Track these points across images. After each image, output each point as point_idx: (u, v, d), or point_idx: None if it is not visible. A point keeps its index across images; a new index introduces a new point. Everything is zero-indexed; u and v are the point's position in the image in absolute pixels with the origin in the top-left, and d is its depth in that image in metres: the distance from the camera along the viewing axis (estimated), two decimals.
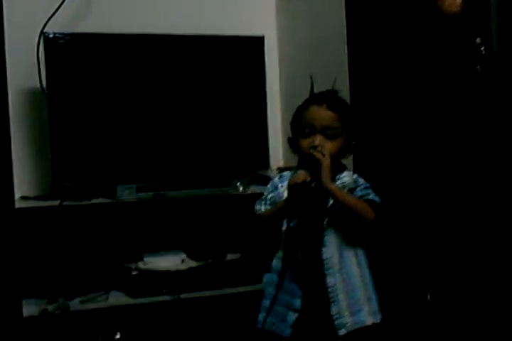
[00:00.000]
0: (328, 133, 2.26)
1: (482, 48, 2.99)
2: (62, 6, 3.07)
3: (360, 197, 2.27)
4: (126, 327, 2.79)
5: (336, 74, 2.85)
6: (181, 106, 3.17)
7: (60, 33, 2.98)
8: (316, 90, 2.43)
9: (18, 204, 2.74)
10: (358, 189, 2.29)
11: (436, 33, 2.99)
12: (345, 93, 2.54)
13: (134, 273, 2.96)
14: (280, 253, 2.31)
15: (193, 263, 3.07)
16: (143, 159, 3.10)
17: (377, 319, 2.29)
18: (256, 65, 3.29)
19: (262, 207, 2.36)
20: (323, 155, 2.21)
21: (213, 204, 3.19)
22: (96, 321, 2.77)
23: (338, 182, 2.29)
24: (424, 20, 2.97)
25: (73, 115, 3.01)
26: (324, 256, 2.24)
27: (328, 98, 2.32)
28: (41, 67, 3.00)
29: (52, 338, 2.71)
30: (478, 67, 3.00)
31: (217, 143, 3.22)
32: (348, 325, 2.24)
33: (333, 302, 2.23)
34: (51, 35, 2.97)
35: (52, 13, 3.05)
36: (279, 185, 2.36)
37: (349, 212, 2.23)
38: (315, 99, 2.34)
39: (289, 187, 2.22)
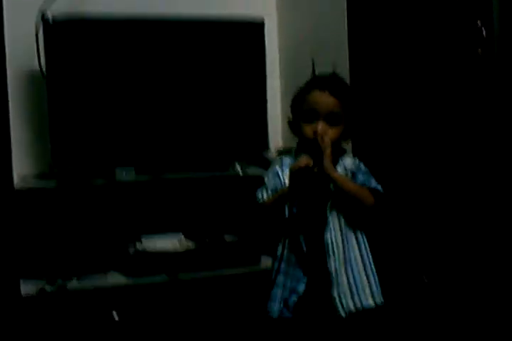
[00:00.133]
0: (330, 119, 2.26)
1: (483, 31, 2.98)
2: None
3: (362, 183, 2.27)
4: (124, 307, 2.81)
5: (336, 57, 2.86)
6: (180, 88, 3.18)
7: (59, 16, 2.99)
8: (316, 73, 2.43)
9: (17, 185, 2.78)
10: (359, 174, 2.29)
11: (437, 16, 2.99)
12: (344, 76, 2.51)
13: (132, 253, 2.98)
14: (283, 240, 2.30)
15: (191, 244, 3.08)
16: (142, 141, 3.11)
17: (378, 301, 2.31)
18: (256, 48, 3.30)
19: (264, 195, 2.35)
20: (325, 142, 2.22)
21: (212, 185, 3.20)
22: (94, 301, 2.79)
23: (341, 167, 2.30)
24: (425, 2, 2.97)
25: (72, 97, 3.02)
26: (327, 239, 2.25)
27: (331, 83, 2.31)
28: (40, 49, 3.00)
29: (50, 317, 2.73)
30: (479, 49, 2.99)
31: (217, 125, 3.23)
32: (348, 307, 2.26)
33: (335, 284, 2.24)
34: (50, 18, 2.97)
35: None
36: (280, 172, 2.35)
37: (349, 198, 2.25)
38: (317, 83, 2.33)
39: (292, 173, 2.22)
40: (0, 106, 2.62)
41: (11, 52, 2.71)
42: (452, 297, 3.02)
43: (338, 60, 2.58)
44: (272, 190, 2.34)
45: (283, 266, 2.31)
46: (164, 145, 3.15)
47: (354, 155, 2.45)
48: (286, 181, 2.30)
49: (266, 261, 3.00)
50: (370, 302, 2.29)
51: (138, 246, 3.03)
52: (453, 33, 3.00)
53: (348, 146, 2.45)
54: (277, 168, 2.38)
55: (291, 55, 3.50)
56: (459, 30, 3.00)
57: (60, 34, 3.00)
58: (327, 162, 2.21)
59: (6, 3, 2.66)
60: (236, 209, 3.22)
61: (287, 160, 2.38)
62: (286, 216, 2.29)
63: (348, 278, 2.27)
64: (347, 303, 2.26)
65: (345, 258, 2.27)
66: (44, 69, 3.00)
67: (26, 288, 2.74)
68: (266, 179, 2.39)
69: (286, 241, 2.31)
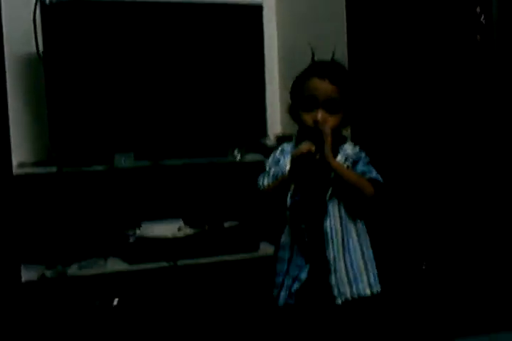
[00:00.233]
0: (329, 106, 2.26)
1: (482, 17, 2.98)
2: None
3: (362, 172, 2.27)
4: (124, 293, 2.81)
5: (334, 42, 2.84)
6: (179, 73, 3.15)
7: None
8: (315, 59, 2.42)
9: (15, 171, 2.75)
10: (360, 163, 2.29)
11: (436, 2, 2.98)
12: (343, 62, 2.50)
13: (131, 239, 2.97)
14: (287, 229, 2.32)
15: (190, 231, 3.08)
16: (141, 127, 3.09)
17: (375, 290, 2.31)
18: (254, 33, 3.27)
19: (265, 182, 2.34)
20: (326, 131, 2.21)
21: (211, 171, 3.19)
22: (93, 287, 2.79)
23: (341, 154, 2.30)
24: None
25: (70, 81, 2.99)
26: (327, 227, 2.25)
27: (331, 71, 2.30)
28: (38, 32, 2.96)
29: (50, 303, 2.73)
30: (478, 36, 2.99)
31: (215, 111, 3.21)
32: (345, 294, 2.26)
33: (333, 272, 2.25)
34: (48, 1, 2.93)
35: None
36: (281, 159, 2.35)
37: (349, 187, 2.25)
38: (317, 70, 2.32)
39: (294, 158, 2.22)
40: None
41: (8, 35, 2.68)
42: (449, 285, 3.04)
43: (337, 47, 2.56)
44: (273, 177, 2.34)
45: (286, 254, 2.32)
46: (163, 132, 3.12)
47: (353, 143, 2.45)
48: (287, 168, 2.30)
49: (265, 248, 3.03)
50: (367, 291, 2.30)
51: (137, 232, 3.02)
52: (452, 19, 3.00)
53: (346, 133, 2.44)
54: (278, 154, 2.38)
55: (289, 42, 3.48)
56: (458, 16, 3.00)
57: (57, 16, 2.96)
58: (327, 150, 2.21)
59: None
60: (235, 195, 3.22)
61: (288, 147, 2.39)
62: (288, 204, 2.30)
63: (346, 266, 2.27)
64: (344, 291, 2.26)
65: (343, 247, 2.27)
66: (41, 52, 2.97)
67: (27, 274, 2.73)
68: (267, 166, 2.39)
69: (289, 229, 2.32)
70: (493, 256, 3.07)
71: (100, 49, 3.04)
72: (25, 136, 3.09)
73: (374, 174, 2.29)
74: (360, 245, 2.31)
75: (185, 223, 3.12)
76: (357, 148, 2.34)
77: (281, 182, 2.29)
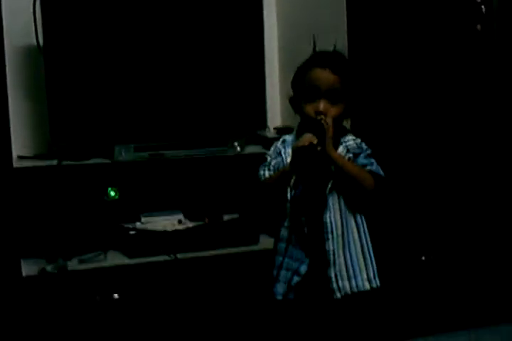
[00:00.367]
0: (331, 96, 2.24)
1: (482, 7, 2.97)
2: None
3: (363, 165, 2.26)
4: (124, 287, 2.80)
5: (335, 32, 2.84)
6: (179, 64, 3.13)
7: None
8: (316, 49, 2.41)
9: (16, 164, 2.75)
10: (361, 155, 2.28)
11: None
12: (343, 52, 2.49)
13: (131, 233, 2.96)
14: (286, 222, 2.30)
15: (190, 224, 3.08)
16: (140, 119, 3.07)
17: (374, 284, 2.30)
18: (254, 23, 3.25)
19: (266, 174, 2.33)
20: (327, 123, 2.20)
21: (211, 164, 3.18)
22: (94, 281, 2.79)
23: (342, 146, 2.29)
24: None
25: (70, 74, 2.97)
26: (326, 220, 2.24)
27: (333, 61, 2.29)
28: (38, 24, 2.94)
29: (51, 297, 2.72)
30: (479, 26, 2.98)
31: (215, 103, 3.19)
32: (344, 288, 2.25)
33: (332, 265, 2.24)
34: None
35: None
36: (282, 150, 2.34)
37: (349, 180, 2.23)
38: (319, 61, 2.30)
39: (295, 150, 2.20)
40: None
41: (8, 27, 2.66)
42: (449, 278, 3.05)
43: (337, 37, 2.55)
44: (273, 169, 2.33)
45: (286, 247, 2.31)
46: (163, 124, 3.10)
47: (353, 134, 2.44)
48: (288, 160, 2.29)
49: (265, 241, 3.03)
50: (366, 285, 2.29)
51: (137, 225, 3.02)
52: (452, 9, 2.99)
53: (346, 124, 2.43)
54: (279, 146, 2.37)
55: (290, 32, 3.46)
56: (458, 6, 2.99)
57: (57, 7, 2.93)
58: (328, 142, 2.20)
59: None
60: (235, 187, 3.21)
61: (289, 139, 2.37)
62: (289, 196, 2.29)
63: (345, 260, 2.26)
64: (343, 285, 2.26)
65: (343, 240, 2.26)
66: (41, 45, 2.95)
67: (27, 268, 2.73)
68: (268, 157, 2.37)
69: (289, 222, 2.31)
70: (493, 249, 3.09)
71: (100, 41, 3.01)
72: (25, 128, 3.08)
73: (375, 167, 2.28)
74: (360, 239, 2.30)
75: (185, 216, 3.12)
76: (358, 140, 2.33)
77: (282, 174, 2.28)
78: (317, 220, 2.25)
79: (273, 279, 2.34)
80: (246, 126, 3.27)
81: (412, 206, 2.99)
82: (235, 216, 3.19)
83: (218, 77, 3.19)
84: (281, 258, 2.32)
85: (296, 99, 2.33)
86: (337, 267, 2.24)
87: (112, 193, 3.03)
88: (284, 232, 2.32)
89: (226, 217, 3.16)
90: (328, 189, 2.25)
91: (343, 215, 2.26)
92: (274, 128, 3.35)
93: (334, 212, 2.25)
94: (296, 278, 2.28)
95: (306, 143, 2.17)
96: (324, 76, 2.25)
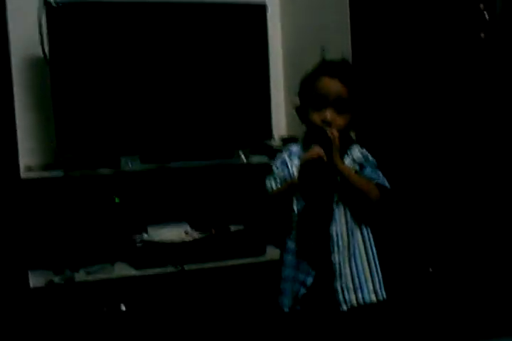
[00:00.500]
0: (338, 105, 2.25)
1: (486, 14, 2.97)
2: None
3: (369, 177, 2.27)
4: (131, 298, 2.80)
5: (338, 41, 2.85)
6: (184, 75, 3.14)
7: (62, 1, 2.94)
8: (319, 57, 2.41)
9: (23, 175, 2.75)
10: (367, 167, 2.29)
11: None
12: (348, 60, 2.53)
13: (138, 244, 2.97)
14: (293, 234, 2.31)
15: (197, 235, 3.08)
16: (147, 129, 3.08)
17: (380, 297, 2.31)
18: (258, 33, 3.26)
19: (273, 185, 2.34)
20: (333, 134, 2.20)
21: (217, 174, 3.19)
22: (101, 292, 2.79)
23: (349, 157, 2.30)
24: None
25: (76, 84, 2.98)
26: (332, 232, 2.24)
27: (341, 70, 2.30)
28: (44, 35, 2.95)
29: (58, 309, 2.72)
30: (482, 33, 2.98)
31: (220, 113, 3.21)
32: (350, 301, 2.26)
33: (338, 278, 2.24)
34: (54, 3, 2.92)
35: None
36: (288, 161, 2.34)
37: (355, 191, 2.24)
38: (327, 70, 2.31)
39: (303, 164, 2.21)
40: (4, 93, 2.59)
41: (15, 38, 2.69)
42: (456, 290, 3.05)
43: (342, 46, 2.57)
44: (280, 180, 2.34)
45: (292, 259, 2.31)
46: (169, 134, 3.12)
47: (359, 144, 2.45)
48: (295, 170, 2.30)
49: (271, 252, 3.03)
50: (373, 297, 2.29)
51: (144, 236, 3.03)
52: (456, 16, 2.99)
53: (352, 134, 2.44)
54: (285, 156, 2.37)
55: (294, 42, 3.47)
56: (462, 13, 2.99)
57: (63, 18, 2.95)
58: (335, 154, 2.20)
59: None
60: (241, 198, 3.22)
61: (295, 149, 2.38)
62: (295, 208, 2.29)
63: (351, 272, 2.27)
64: (349, 297, 2.26)
65: (349, 252, 2.27)
66: (47, 55, 2.96)
67: (34, 279, 2.73)
68: (274, 168, 2.37)
69: (295, 233, 2.31)
70: (501, 260, 3.08)
71: (106, 51, 3.03)
72: (32, 139, 3.08)
73: (381, 179, 2.29)
74: (366, 251, 2.31)
75: (192, 227, 3.12)
76: (364, 151, 2.34)
77: (290, 187, 2.28)
78: (323, 232, 2.26)
79: (279, 291, 2.34)
80: (251, 136, 3.28)
81: (418, 217, 2.98)
82: (242, 227, 3.19)
83: (224, 88, 3.20)
84: (287, 270, 2.32)
85: (302, 108, 2.34)
86: (343, 279, 2.25)
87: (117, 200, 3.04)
88: (290, 244, 2.32)
89: (232, 228, 3.17)
90: (334, 200, 2.26)
91: (349, 227, 2.27)
92: (279, 138, 3.34)
93: (340, 224, 2.26)
94: (302, 290, 2.28)
95: (315, 157, 2.17)
96: (332, 85, 2.26)
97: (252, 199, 2.96)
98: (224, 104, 3.21)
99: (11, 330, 2.59)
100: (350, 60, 2.71)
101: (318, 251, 2.26)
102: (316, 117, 2.26)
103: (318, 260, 2.27)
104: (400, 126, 2.96)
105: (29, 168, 2.98)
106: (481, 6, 2.95)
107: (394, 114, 2.95)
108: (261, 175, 2.41)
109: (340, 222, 2.26)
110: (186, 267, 2.91)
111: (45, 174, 2.93)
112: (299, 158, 2.30)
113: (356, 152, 2.32)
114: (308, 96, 2.31)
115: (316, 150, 2.18)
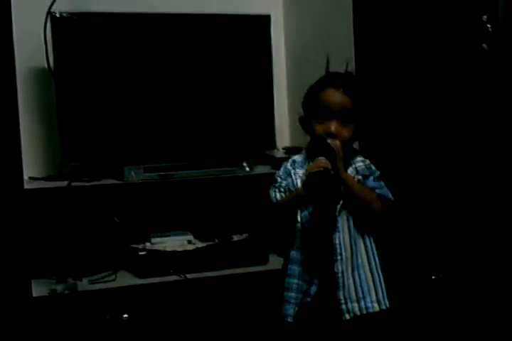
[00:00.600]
0: (343, 117, 2.25)
1: (488, 26, 2.98)
2: None
3: (372, 188, 2.27)
4: (134, 307, 2.80)
5: (342, 51, 2.86)
6: (188, 86, 3.17)
7: (67, 13, 2.98)
8: (323, 69, 2.42)
9: (26, 185, 2.75)
10: (370, 178, 2.29)
11: (443, 11, 2.98)
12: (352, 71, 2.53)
13: (141, 253, 2.97)
14: (298, 244, 2.30)
15: (200, 244, 3.09)
16: (150, 140, 3.11)
17: (384, 306, 2.29)
18: (262, 44, 3.29)
19: (277, 196, 2.32)
20: (337, 145, 2.20)
21: (220, 184, 3.18)
22: (104, 301, 2.79)
23: (352, 168, 2.29)
24: None
25: (80, 95, 3.01)
26: (336, 241, 2.24)
27: (346, 82, 2.30)
28: (48, 46, 2.99)
29: (61, 318, 2.73)
30: (485, 44, 2.98)
31: (224, 123, 3.23)
32: (353, 310, 2.25)
33: (341, 287, 2.24)
34: (58, 15, 2.96)
35: None
36: (292, 171, 2.33)
37: (358, 201, 2.24)
38: (332, 81, 2.30)
39: (310, 175, 2.19)
40: (9, 104, 2.60)
41: (20, 50, 2.67)
42: (460, 298, 3.04)
43: (345, 55, 2.57)
44: (284, 190, 2.33)
45: (296, 269, 2.30)
46: (172, 145, 3.15)
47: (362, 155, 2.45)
48: (298, 181, 2.30)
49: (274, 261, 3.01)
50: (376, 306, 2.28)
51: (147, 245, 3.04)
52: (458, 28, 3.00)
53: (355, 145, 2.44)
54: (289, 167, 2.36)
55: (297, 53, 3.49)
56: (465, 25, 3.00)
57: (67, 31, 2.98)
58: (339, 163, 2.20)
59: (14, 1, 2.62)
60: (244, 207, 3.21)
61: (299, 159, 2.37)
62: (299, 218, 2.29)
63: (354, 282, 2.26)
64: (352, 307, 2.25)
65: (352, 262, 2.26)
66: (52, 67, 2.99)
67: (37, 289, 2.73)
68: (278, 178, 2.36)
69: (299, 243, 2.30)
70: (505, 267, 3.07)
71: (110, 62, 3.06)
72: (36, 150, 3.11)
73: (384, 190, 2.29)
74: (369, 260, 2.30)
75: (195, 236, 3.13)
76: (367, 162, 2.34)
77: (296, 198, 2.27)
78: (327, 242, 2.25)
79: (283, 300, 2.32)
80: (255, 146, 3.31)
81: (421, 225, 2.98)
82: (245, 236, 3.20)
83: (227, 98, 3.23)
84: (292, 280, 2.30)
85: (306, 119, 2.33)
86: (346, 289, 2.24)
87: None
88: (294, 254, 2.31)
89: (235, 237, 3.17)
90: (337, 209, 2.26)
91: (352, 236, 2.26)
92: (283, 148, 3.35)
93: (343, 234, 2.25)
94: (306, 299, 2.27)
95: (322, 169, 2.17)
96: (337, 97, 2.26)
97: (255, 209, 2.97)
98: (227, 115, 3.23)
99: (14, 339, 2.59)
100: (353, 70, 2.72)
101: (321, 261, 2.26)
102: (320, 129, 2.26)
103: (321, 269, 2.26)
104: (404, 136, 2.96)
105: (33, 179, 3.02)
106: (484, 17, 2.96)
107: (397, 125, 2.95)
108: (264, 185, 2.40)
109: (344, 231, 2.25)
110: (189, 276, 2.91)
111: (49, 184, 2.96)
112: (303, 168, 2.30)
113: (359, 162, 2.32)
114: (312, 107, 2.31)
115: (323, 162, 2.18)
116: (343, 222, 2.25)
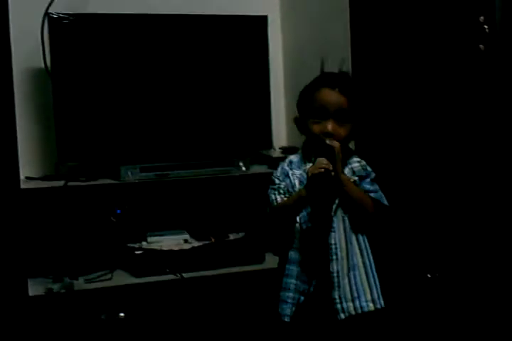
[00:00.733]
0: (339, 116, 2.25)
1: (485, 27, 2.98)
2: None
3: (367, 190, 2.28)
4: (130, 306, 2.81)
5: (339, 52, 2.86)
6: (184, 85, 3.18)
7: (64, 13, 2.99)
8: (319, 70, 2.43)
9: (23, 185, 2.76)
10: (366, 180, 2.30)
11: (440, 12, 2.98)
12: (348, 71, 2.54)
13: (137, 252, 2.98)
14: (297, 244, 2.30)
15: (196, 243, 3.09)
16: (146, 140, 3.12)
17: (379, 305, 2.30)
18: (259, 44, 3.30)
19: (277, 198, 2.32)
20: (336, 145, 2.21)
21: (216, 184, 3.19)
22: (100, 300, 2.80)
23: (348, 168, 2.30)
24: None
25: (77, 95, 3.02)
26: (332, 241, 2.24)
27: (341, 81, 2.31)
28: (45, 47, 3.00)
29: (57, 317, 2.73)
30: (482, 45, 2.99)
31: (220, 123, 3.24)
32: (348, 309, 2.25)
33: (336, 287, 2.24)
34: (56, 16, 2.97)
35: None
36: (290, 172, 2.33)
37: (353, 202, 2.25)
38: (327, 81, 2.31)
39: (311, 177, 2.20)
40: (6, 104, 2.61)
41: (17, 50, 2.68)
42: (456, 297, 3.04)
43: (341, 56, 2.57)
44: (284, 192, 2.32)
45: (295, 269, 2.30)
46: (169, 144, 3.15)
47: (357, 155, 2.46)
48: (296, 182, 2.30)
49: (271, 260, 3.02)
50: (371, 306, 2.29)
51: (143, 244, 3.04)
52: (455, 28, 3.00)
53: (351, 146, 2.45)
54: (286, 167, 2.36)
55: (294, 53, 3.50)
56: (462, 26, 3.00)
57: (64, 32, 2.99)
58: (338, 164, 2.21)
59: (11, 1, 2.63)
60: (240, 207, 3.23)
61: (295, 160, 2.37)
62: (297, 218, 2.28)
63: (349, 281, 2.26)
64: (347, 306, 2.25)
65: (348, 262, 2.27)
66: (49, 67, 3.00)
67: (33, 288, 2.74)
68: (276, 179, 2.35)
69: (298, 243, 2.31)
70: (500, 265, 3.07)
71: (107, 63, 3.07)
72: (32, 150, 3.12)
73: (379, 194, 2.30)
74: (363, 260, 2.30)
75: (191, 235, 3.14)
76: (363, 163, 2.34)
77: (299, 200, 2.26)
78: (322, 241, 2.26)
79: (279, 300, 2.32)
80: (251, 145, 3.31)
81: (416, 223, 2.99)
82: (241, 235, 3.20)
83: (224, 98, 3.24)
84: (290, 280, 2.30)
85: (302, 119, 2.34)
86: (341, 289, 2.24)
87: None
88: (293, 254, 2.31)
89: (232, 236, 3.18)
90: (333, 210, 2.26)
91: (347, 236, 2.27)
92: (280, 148, 3.36)
93: (339, 234, 2.26)
94: (302, 299, 2.28)
95: (323, 170, 2.17)
96: (333, 96, 2.27)
97: (252, 208, 2.98)
98: (224, 114, 3.24)
99: (10, 339, 2.60)
100: (350, 71, 2.72)
101: (318, 261, 2.27)
102: (316, 129, 2.26)
103: (317, 269, 2.27)
104: (400, 135, 2.97)
105: (29, 178, 3.03)
106: (481, 18, 2.96)
107: (393, 125, 2.96)
108: (260, 185, 2.41)
109: (339, 232, 2.26)
110: (185, 275, 2.92)
111: (45, 184, 2.97)
112: (300, 169, 2.32)
113: (355, 163, 2.33)
114: (308, 107, 2.31)
115: (324, 163, 2.18)
116: (338, 222, 2.26)
